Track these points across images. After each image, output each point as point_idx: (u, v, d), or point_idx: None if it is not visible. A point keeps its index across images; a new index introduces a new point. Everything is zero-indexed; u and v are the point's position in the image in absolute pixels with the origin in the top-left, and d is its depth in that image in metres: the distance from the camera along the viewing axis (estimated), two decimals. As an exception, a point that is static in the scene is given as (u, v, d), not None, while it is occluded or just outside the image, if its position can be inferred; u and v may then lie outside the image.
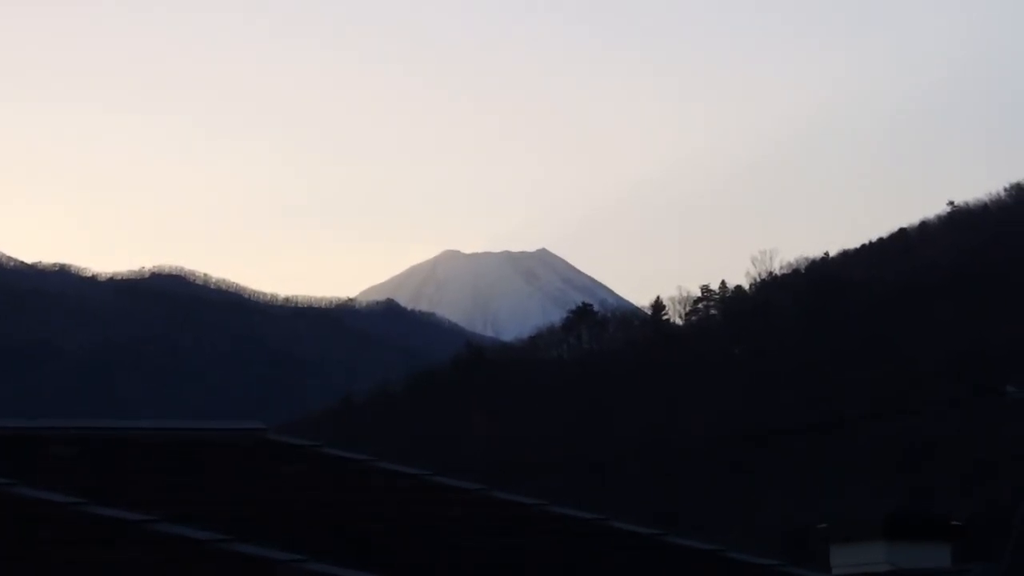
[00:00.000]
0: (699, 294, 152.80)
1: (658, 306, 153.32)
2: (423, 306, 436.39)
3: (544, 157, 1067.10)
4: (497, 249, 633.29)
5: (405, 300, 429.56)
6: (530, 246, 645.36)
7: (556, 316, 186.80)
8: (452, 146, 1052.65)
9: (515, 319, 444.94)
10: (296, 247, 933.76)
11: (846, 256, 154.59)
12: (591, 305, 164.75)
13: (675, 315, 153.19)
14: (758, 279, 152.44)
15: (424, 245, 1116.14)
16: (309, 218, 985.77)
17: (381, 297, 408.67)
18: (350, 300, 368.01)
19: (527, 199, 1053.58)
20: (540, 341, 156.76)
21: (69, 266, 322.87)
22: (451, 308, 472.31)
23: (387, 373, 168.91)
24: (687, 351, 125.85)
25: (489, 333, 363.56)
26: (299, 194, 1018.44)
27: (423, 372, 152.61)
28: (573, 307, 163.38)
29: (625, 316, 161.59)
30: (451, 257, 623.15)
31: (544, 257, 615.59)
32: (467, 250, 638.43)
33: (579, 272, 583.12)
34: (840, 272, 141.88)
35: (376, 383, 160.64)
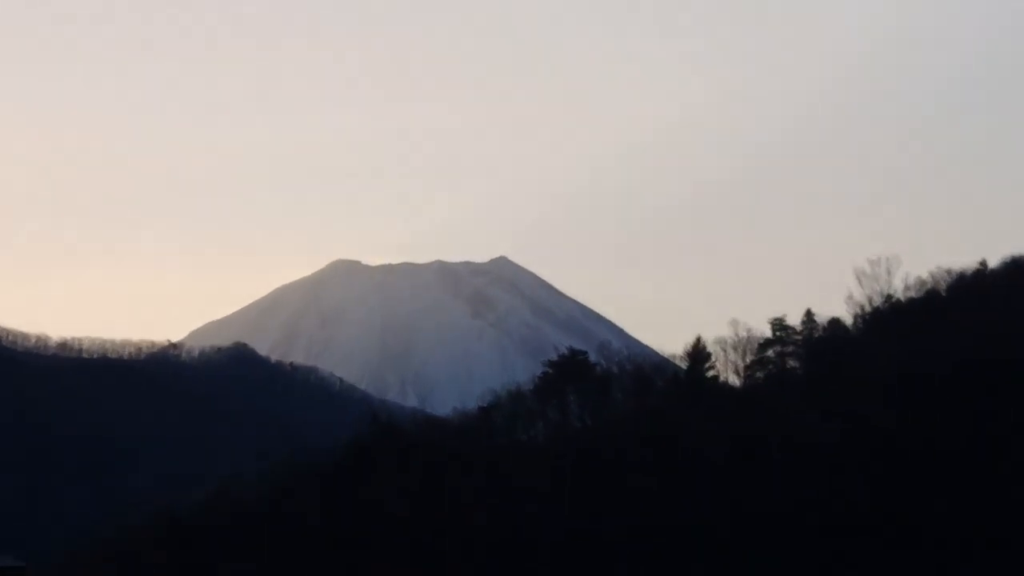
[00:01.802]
0: (769, 333, 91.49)
1: (698, 353, 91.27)
2: (296, 354, 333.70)
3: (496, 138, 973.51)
4: (423, 258, 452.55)
5: (264, 343, 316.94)
6: (481, 253, 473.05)
7: (522, 367, 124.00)
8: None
9: (453, 374, 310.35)
10: (78, 266, 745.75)
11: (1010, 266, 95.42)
12: (584, 353, 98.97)
13: (727, 369, 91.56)
14: (870, 305, 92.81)
15: (298, 254, 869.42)
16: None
17: (223, 340, 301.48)
18: (173, 346, 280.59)
19: (475, 189, 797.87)
20: (498, 413, 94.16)
21: None
22: (343, 358, 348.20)
23: (236, 465, 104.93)
24: (749, 431, 74.04)
25: (410, 400, 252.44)
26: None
27: (290, 469, 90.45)
28: (552, 353, 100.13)
29: (641, 369, 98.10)
30: (345, 272, 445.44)
31: (502, 270, 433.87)
32: (372, 260, 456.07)
33: (560, 295, 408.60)
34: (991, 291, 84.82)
35: (214, 485, 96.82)
